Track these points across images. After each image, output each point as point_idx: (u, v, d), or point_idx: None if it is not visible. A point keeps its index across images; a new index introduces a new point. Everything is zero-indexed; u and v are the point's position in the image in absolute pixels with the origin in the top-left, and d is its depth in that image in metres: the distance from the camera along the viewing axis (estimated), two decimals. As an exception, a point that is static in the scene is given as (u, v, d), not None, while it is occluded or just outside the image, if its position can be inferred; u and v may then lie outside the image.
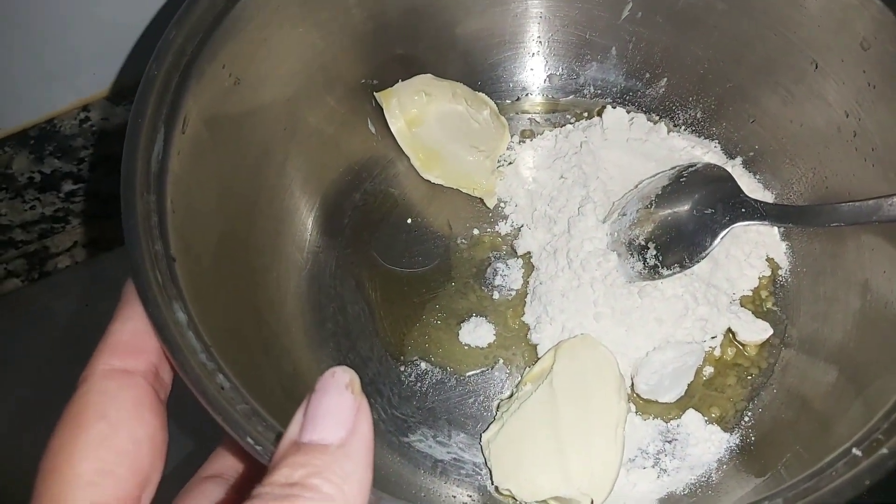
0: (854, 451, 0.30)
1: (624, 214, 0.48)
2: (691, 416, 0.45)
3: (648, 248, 0.46)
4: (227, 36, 0.41)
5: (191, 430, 0.48)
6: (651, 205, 0.46)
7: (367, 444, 0.27)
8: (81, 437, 0.28)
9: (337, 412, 0.27)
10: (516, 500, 0.43)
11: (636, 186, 0.50)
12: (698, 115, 0.54)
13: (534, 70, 0.57)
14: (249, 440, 0.29)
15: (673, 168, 0.49)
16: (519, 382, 0.47)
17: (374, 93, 0.53)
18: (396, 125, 0.53)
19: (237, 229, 0.44)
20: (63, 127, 0.60)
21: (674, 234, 0.45)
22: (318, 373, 0.27)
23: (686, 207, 0.45)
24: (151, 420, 0.29)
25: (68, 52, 0.56)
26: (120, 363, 0.30)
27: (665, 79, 0.55)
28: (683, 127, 0.55)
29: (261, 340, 0.43)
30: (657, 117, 0.55)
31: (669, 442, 0.45)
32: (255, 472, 0.35)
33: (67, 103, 0.59)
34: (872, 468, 0.29)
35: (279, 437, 0.28)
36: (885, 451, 0.30)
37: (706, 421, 0.45)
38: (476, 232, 0.52)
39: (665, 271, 0.45)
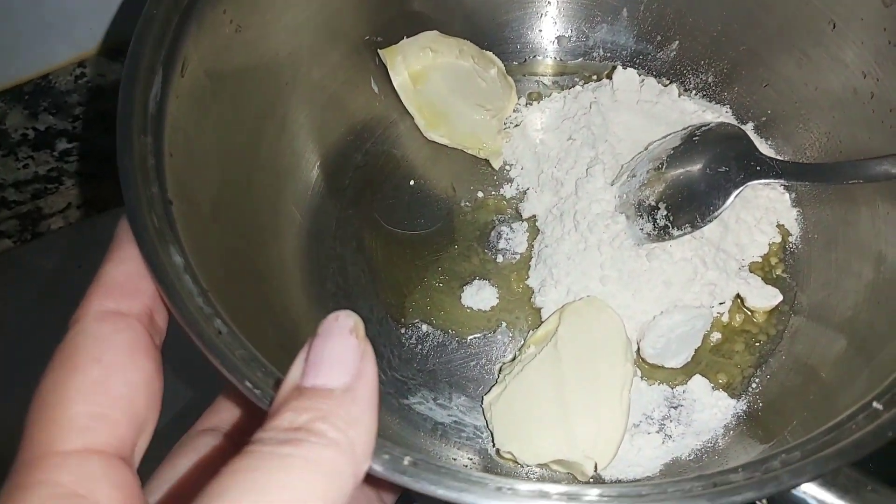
0: (875, 404, 0.29)
1: (633, 176, 0.46)
2: (698, 382, 0.44)
3: (659, 209, 0.45)
4: (229, -20, 0.39)
5: (186, 382, 0.47)
6: (662, 165, 0.45)
7: (372, 390, 0.26)
8: (74, 378, 0.26)
9: (341, 356, 0.26)
10: (518, 463, 0.42)
11: (646, 148, 0.48)
12: (710, 80, 0.53)
13: (542, 31, 0.55)
14: (248, 384, 0.28)
15: (685, 128, 0.47)
16: (522, 345, 0.46)
17: (378, 50, 0.51)
18: (399, 79, 0.51)
19: (237, 181, 0.43)
20: (58, 83, 0.58)
21: (686, 193, 0.44)
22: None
23: (699, 166, 0.44)
24: (146, 365, 0.28)
25: (64, 5, 0.54)
26: (114, 304, 0.28)
27: (677, 42, 0.53)
28: (694, 91, 0.53)
29: (259, 296, 0.42)
30: (668, 81, 0.54)
31: (675, 408, 0.44)
32: (252, 422, 0.34)
33: (63, 59, 0.58)
34: (895, 420, 0.28)
35: (279, 383, 0.26)
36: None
37: (713, 387, 0.44)
38: (480, 195, 0.51)
39: (675, 231, 0.44)
